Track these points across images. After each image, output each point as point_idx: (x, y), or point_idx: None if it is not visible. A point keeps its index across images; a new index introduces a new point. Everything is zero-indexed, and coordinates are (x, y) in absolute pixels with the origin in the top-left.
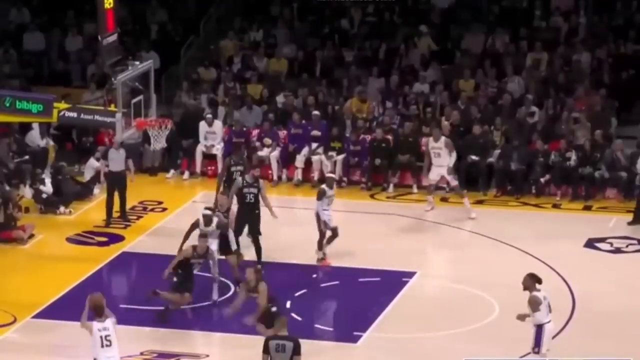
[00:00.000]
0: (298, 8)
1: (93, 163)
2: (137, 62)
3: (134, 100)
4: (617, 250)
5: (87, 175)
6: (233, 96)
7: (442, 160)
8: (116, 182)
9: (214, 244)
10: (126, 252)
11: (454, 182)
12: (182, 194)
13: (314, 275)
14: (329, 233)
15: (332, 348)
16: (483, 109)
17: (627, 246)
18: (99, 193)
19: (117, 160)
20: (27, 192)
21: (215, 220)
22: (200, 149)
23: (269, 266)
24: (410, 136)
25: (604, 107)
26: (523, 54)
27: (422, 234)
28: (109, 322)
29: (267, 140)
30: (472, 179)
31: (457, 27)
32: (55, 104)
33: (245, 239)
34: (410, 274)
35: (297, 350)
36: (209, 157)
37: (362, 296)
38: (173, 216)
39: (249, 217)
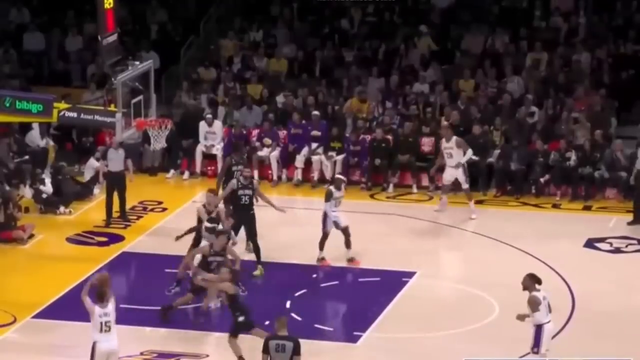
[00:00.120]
0: (298, 8)
1: (93, 163)
2: (137, 62)
3: (134, 100)
4: (617, 250)
5: (87, 175)
6: (233, 96)
7: (454, 161)
8: (115, 182)
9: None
10: (126, 252)
11: (465, 186)
12: (182, 194)
13: (314, 275)
14: (329, 233)
15: (332, 348)
16: (483, 109)
17: (626, 246)
18: (99, 193)
19: (116, 160)
20: (27, 192)
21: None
22: (200, 149)
23: (268, 266)
24: (410, 136)
25: (603, 107)
26: (523, 54)
27: (422, 234)
28: (111, 306)
29: (267, 140)
30: (472, 179)
31: (457, 27)
32: (55, 104)
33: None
34: (410, 274)
35: (297, 350)
36: (209, 157)
37: (362, 296)
38: (173, 216)
39: (245, 218)
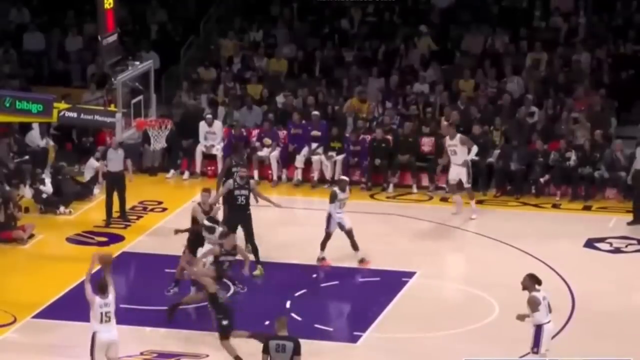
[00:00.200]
0: (298, 8)
1: (93, 163)
2: (137, 62)
3: (134, 101)
4: (617, 250)
5: (87, 175)
6: (233, 96)
7: (458, 158)
8: (115, 183)
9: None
10: (126, 252)
11: (467, 185)
12: (182, 194)
13: (314, 275)
14: (331, 234)
15: (332, 348)
16: (483, 109)
17: (626, 246)
18: (99, 193)
19: (115, 160)
20: (27, 192)
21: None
22: (200, 149)
23: (268, 266)
24: (410, 136)
25: (603, 107)
26: (523, 54)
27: (422, 234)
28: (111, 297)
29: (267, 140)
30: (472, 179)
31: (457, 27)
32: (55, 104)
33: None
34: (410, 274)
35: (297, 351)
36: (209, 157)
37: (362, 296)
38: (173, 216)
39: (241, 219)
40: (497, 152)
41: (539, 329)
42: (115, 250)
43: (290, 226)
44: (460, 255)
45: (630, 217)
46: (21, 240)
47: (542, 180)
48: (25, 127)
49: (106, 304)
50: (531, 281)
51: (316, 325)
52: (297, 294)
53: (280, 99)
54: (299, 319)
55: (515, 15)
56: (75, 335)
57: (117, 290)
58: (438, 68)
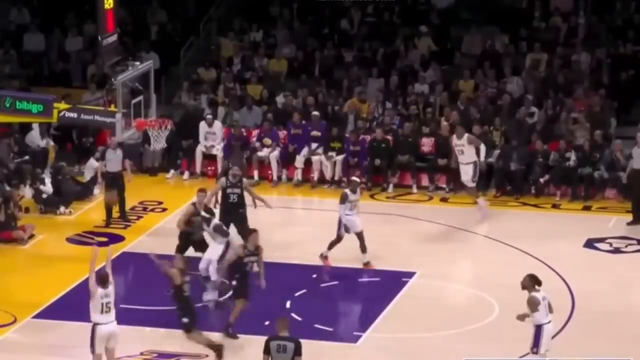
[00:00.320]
0: (298, 8)
1: (93, 163)
2: (137, 63)
3: (134, 101)
4: (617, 251)
5: (87, 175)
6: (233, 96)
7: (466, 158)
8: (114, 183)
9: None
10: (126, 252)
11: (472, 184)
12: (182, 194)
13: (314, 275)
14: (342, 237)
15: (332, 348)
16: (482, 110)
17: (626, 246)
18: (99, 193)
19: (114, 160)
20: (27, 192)
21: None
22: (200, 149)
23: (268, 266)
24: (410, 136)
25: (603, 107)
26: (522, 54)
27: (422, 234)
28: (111, 287)
29: (267, 141)
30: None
31: (456, 27)
32: (55, 104)
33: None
34: (410, 274)
35: (298, 351)
36: (209, 158)
37: (362, 296)
38: (173, 216)
39: (234, 217)
40: (496, 152)
41: (538, 329)
42: (115, 250)
43: (290, 226)
44: (460, 256)
45: (629, 217)
46: (21, 240)
47: (541, 180)
48: (26, 128)
49: (107, 294)
50: (531, 281)
51: (316, 325)
52: (297, 294)
53: (280, 99)
54: (299, 319)
55: (515, 16)
56: (75, 335)
57: (117, 291)
58: (438, 68)
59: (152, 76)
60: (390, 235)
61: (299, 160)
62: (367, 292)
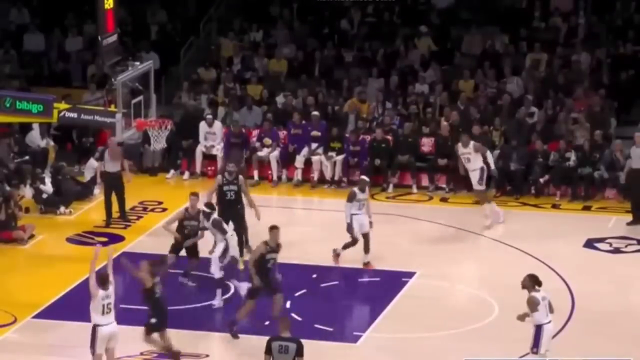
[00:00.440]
0: (298, 8)
1: (93, 163)
2: (137, 63)
3: (134, 101)
4: (617, 251)
5: (88, 175)
6: (233, 96)
7: (473, 165)
8: (112, 183)
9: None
10: (126, 252)
11: (478, 187)
12: (182, 194)
13: (314, 275)
14: (356, 238)
15: (332, 348)
16: (482, 110)
17: (626, 246)
18: (99, 193)
19: (112, 161)
20: (27, 192)
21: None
22: (200, 149)
23: None
24: (410, 136)
25: (603, 107)
26: (522, 54)
27: (422, 234)
28: (111, 288)
29: (267, 141)
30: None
31: (456, 27)
32: (56, 104)
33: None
34: (410, 274)
35: (300, 352)
36: (209, 158)
37: (362, 296)
38: None
39: (231, 214)
40: (496, 152)
41: (538, 329)
42: (115, 250)
43: (290, 226)
44: (460, 256)
45: (629, 217)
46: (21, 240)
47: (541, 180)
48: (26, 128)
49: (107, 295)
50: (531, 281)
51: (316, 325)
52: (297, 294)
53: (280, 99)
54: (299, 319)
55: (515, 16)
56: (75, 335)
57: (118, 291)
58: (438, 68)
59: (152, 76)
60: (390, 235)
61: (299, 160)
62: (367, 292)
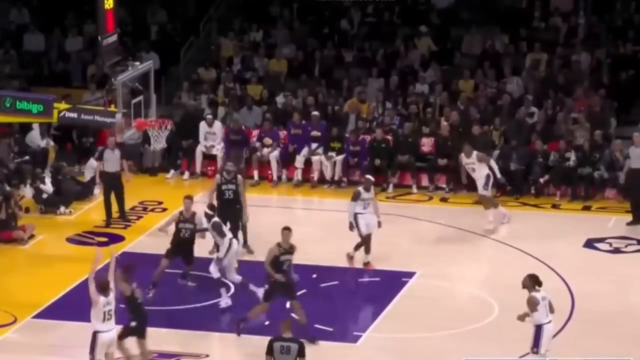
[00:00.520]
0: (298, 8)
1: (93, 163)
2: (137, 63)
3: (134, 101)
4: (616, 251)
5: (88, 175)
6: (233, 96)
7: (478, 174)
8: (112, 183)
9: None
10: (126, 252)
11: (483, 192)
12: (182, 194)
13: (314, 275)
14: (365, 235)
15: (332, 348)
16: (482, 110)
17: (626, 246)
18: (99, 193)
19: (112, 161)
20: (27, 192)
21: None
22: (200, 149)
23: None
24: (410, 136)
25: (603, 107)
26: (522, 54)
27: (422, 234)
28: (112, 294)
29: (267, 140)
30: (472, 179)
31: (456, 27)
32: (56, 104)
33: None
34: (410, 274)
35: (301, 352)
36: (209, 158)
37: (362, 296)
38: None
39: (229, 213)
40: (496, 152)
41: (538, 329)
42: (116, 250)
43: (290, 226)
44: (460, 256)
45: (629, 217)
46: (21, 240)
47: (541, 180)
48: (26, 128)
49: (108, 302)
50: (531, 281)
51: (316, 326)
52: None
53: (280, 99)
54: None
55: (515, 16)
56: (75, 335)
57: (117, 290)
58: (438, 68)
59: (152, 76)
60: (390, 235)
61: (299, 160)
62: (367, 292)
